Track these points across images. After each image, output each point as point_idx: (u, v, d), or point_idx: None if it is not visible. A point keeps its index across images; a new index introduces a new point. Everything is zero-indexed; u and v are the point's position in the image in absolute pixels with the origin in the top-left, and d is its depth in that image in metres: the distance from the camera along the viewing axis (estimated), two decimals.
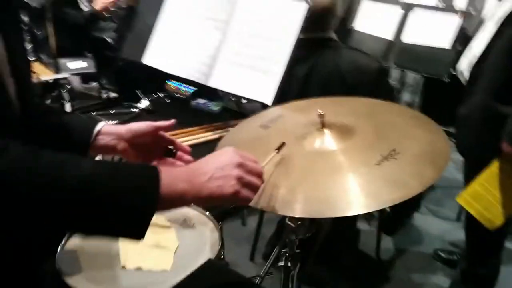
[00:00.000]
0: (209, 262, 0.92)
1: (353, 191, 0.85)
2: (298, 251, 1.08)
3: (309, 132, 1.02)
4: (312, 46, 1.78)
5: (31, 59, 2.01)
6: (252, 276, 1.90)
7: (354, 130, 1.01)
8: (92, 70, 3.02)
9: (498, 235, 1.88)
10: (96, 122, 0.96)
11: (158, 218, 1.18)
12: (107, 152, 0.99)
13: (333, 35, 1.84)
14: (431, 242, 2.55)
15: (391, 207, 2.54)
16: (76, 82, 3.35)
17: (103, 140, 0.94)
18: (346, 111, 1.11)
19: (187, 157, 1.05)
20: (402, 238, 2.58)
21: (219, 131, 1.61)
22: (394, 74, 3.95)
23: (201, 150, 1.44)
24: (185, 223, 1.16)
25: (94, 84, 3.01)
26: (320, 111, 0.99)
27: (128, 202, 0.63)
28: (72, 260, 1.01)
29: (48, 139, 0.93)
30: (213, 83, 1.60)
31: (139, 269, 1.01)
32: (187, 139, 1.59)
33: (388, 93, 2.09)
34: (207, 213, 1.19)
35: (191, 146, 1.52)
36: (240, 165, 0.74)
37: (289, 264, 1.06)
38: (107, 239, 1.03)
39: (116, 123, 1.68)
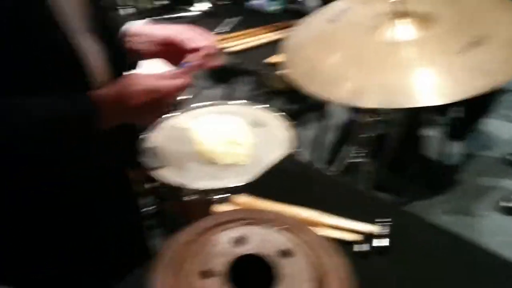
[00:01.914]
0: (288, 156, 0.94)
1: (429, 81, 0.81)
2: (371, 148, 1.08)
3: (381, 23, 0.97)
4: None
5: None
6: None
7: (432, 19, 0.94)
8: None
9: None
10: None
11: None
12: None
13: None
14: (502, 146, 2.46)
15: (460, 111, 2.45)
16: None
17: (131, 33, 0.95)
18: None
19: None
20: (470, 143, 2.50)
21: (281, 31, 1.56)
22: None
23: (263, 51, 1.44)
24: (256, 122, 1.19)
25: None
26: None
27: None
28: (153, 158, 1.08)
29: None
30: None
31: (216, 164, 1.06)
32: (247, 40, 1.57)
33: None
34: (279, 113, 1.21)
35: (252, 48, 1.51)
36: (155, 93, 0.79)
37: (363, 161, 1.07)
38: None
39: None
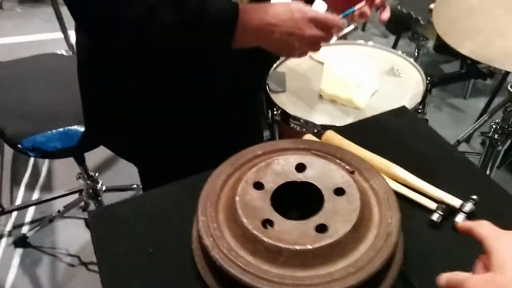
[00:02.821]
0: (402, 109, 0.87)
1: None
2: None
3: None
4: None
5: None
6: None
7: None
8: None
9: None
10: None
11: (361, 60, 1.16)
12: None
13: None
14: None
15: None
16: None
17: None
18: None
19: None
20: None
21: None
22: None
23: None
24: (391, 71, 1.11)
25: None
26: None
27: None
28: (279, 81, 1.12)
29: None
30: None
31: (333, 101, 1.05)
32: None
33: None
34: (418, 65, 1.11)
35: None
36: (310, 22, 0.72)
37: (496, 137, 0.93)
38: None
39: None
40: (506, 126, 0.91)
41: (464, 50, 0.80)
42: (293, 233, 0.52)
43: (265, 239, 0.51)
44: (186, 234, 0.60)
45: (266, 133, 1.26)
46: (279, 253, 0.50)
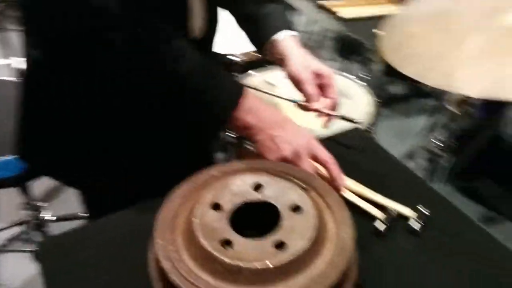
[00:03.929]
0: (355, 130, 0.90)
1: None
2: (455, 142, 0.98)
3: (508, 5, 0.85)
4: None
5: None
6: None
7: None
8: None
9: None
10: (284, 27, 0.94)
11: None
12: (275, 61, 0.96)
13: None
14: None
15: None
16: None
17: (275, 49, 0.93)
18: None
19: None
20: None
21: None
22: None
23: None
24: (341, 93, 1.15)
25: None
26: None
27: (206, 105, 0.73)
28: None
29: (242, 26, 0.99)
30: None
31: None
32: (362, 10, 1.50)
33: None
34: (368, 88, 1.16)
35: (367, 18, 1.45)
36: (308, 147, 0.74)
37: (438, 153, 0.98)
38: None
39: None
40: (448, 143, 0.97)
41: (409, 72, 0.85)
42: (252, 251, 0.52)
43: (225, 259, 0.50)
44: (140, 260, 0.58)
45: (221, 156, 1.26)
46: (239, 272, 0.50)
